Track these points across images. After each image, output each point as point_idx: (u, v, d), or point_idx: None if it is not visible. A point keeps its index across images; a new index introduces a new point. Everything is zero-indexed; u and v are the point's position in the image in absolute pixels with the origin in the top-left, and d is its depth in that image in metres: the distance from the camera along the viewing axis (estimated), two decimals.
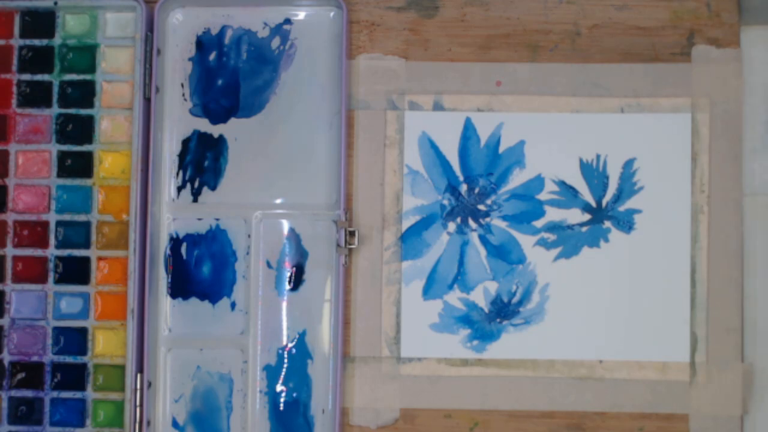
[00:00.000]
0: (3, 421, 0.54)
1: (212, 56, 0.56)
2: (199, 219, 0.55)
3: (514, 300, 0.55)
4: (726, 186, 0.54)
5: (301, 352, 0.55)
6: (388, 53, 0.56)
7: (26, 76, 0.55)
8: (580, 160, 0.55)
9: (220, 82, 0.56)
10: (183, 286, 0.55)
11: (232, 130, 0.56)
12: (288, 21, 0.56)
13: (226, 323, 0.55)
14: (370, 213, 0.55)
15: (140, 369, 0.53)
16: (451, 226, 0.55)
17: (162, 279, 0.55)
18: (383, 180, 0.55)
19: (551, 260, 0.55)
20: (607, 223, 0.55)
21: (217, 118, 0.56)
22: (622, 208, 0.55)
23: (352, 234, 0.54)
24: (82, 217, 0.55)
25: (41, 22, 0.55)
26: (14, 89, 0.55)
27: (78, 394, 0.54)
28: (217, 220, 0.55)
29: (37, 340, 0.55)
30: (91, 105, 0.55)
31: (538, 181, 0.55)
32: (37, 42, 0.55)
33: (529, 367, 0.54)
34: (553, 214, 0.55)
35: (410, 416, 0.55)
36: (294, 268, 0.55)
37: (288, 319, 0.55)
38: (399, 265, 0.55)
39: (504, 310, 0.55)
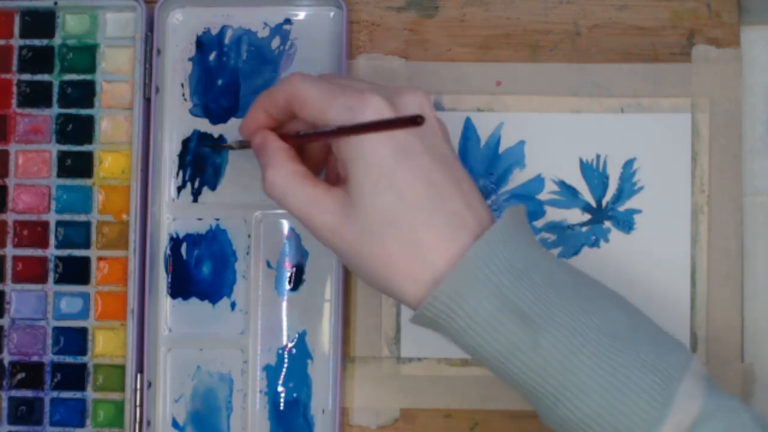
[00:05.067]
0: (3, 421, 0.54)
1: (212, 56, 0.56)
2: (199, 219, 0.55)
3: None
4: (726, 186, 0.54)
5: (301, 352, 0.55)
6: (388, 53, 0.56)
7: (26, 76, 0.55)
8: (580, 160, 0.55)
9: (220, 82, 0.56)
10: (183, 286, 0.55)
11: (232, 130, 0.55)
12: (288, 21, 0.56)
13: (226, 323, 0.55)
14: None
15: (140, 369, 0.53)
16: None
17: (162, 279, 0.55)
18: None
19: None
20: (607, 223, 0.55)
21: (217, 118, 0.56)
22: (622, 208, 0.55)
23: None
24: (82, 217, 0.55)
25: (41, 22, 0.55)
26: (14, 89, 0.55)
27: (78, 394, 0.54)
28: (217, 220, 0.55)
29: (37, 340, 0.55)
30: (91, 105, 0.55)
31: (538, 181, 0.55)
32: (37, 42, 0.55)
33: None
34: (553, 214, 0.55)
35: (410, 416, 0.54)
36: (294, 268, 0.55)
37: (288, 319, 0.55)
38: None
39: None
